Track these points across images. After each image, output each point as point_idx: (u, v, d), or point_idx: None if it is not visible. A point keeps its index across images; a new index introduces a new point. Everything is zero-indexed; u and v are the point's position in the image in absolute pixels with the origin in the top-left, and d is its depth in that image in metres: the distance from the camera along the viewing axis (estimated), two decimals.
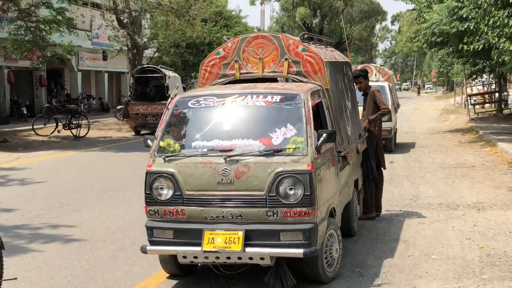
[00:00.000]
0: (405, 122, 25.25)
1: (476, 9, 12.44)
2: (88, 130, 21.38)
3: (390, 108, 15.88)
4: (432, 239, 7.28)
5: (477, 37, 14.17)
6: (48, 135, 20.68)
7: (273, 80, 6.64)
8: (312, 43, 6.90)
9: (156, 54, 32.09)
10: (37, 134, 20.46)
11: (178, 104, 5.96)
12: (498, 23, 11.82)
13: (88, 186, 11.32)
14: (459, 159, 14.24)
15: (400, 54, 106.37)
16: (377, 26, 74.93)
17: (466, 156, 14.72)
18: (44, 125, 21.36)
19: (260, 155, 5.34)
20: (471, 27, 13.53)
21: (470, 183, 10.97)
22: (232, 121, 5.79)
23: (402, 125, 22.83)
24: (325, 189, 5.61)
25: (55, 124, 20.92)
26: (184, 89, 28.55)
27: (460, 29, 14.41)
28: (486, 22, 12.04)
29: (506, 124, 22.06)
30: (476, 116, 26.82)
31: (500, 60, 14.14)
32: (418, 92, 75.63)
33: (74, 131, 20.68)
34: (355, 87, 8.36)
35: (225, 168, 5.32)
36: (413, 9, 24.14)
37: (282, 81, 6.67)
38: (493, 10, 11.87)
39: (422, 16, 19.84)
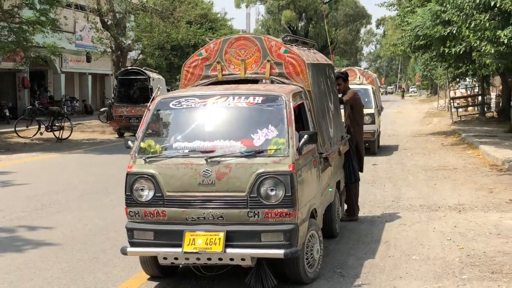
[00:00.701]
0: (389, 125, 25.38)
1: (458, 13, 12.54)
2: (71, 132, 21.27)
3: (374, 111, 16.05)
4: (413, 240, 7.32)
5: (459, 41, 14.29)
6: (30, 137, 20.55)
7: (256, 81, 6.64)
8: (295, 45, 6.92)
9: (141, 56, 32.01)
10: (20, 136, 20.32)
11: (160, 105, 5.95)
12: (479, 27, 11.93)
13: (70, 188, 11.25)
14: (441, 161, 14.33)
15: (385, 58, 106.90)
16: (362, 30, 75.38)
17: (448, 158, 14.82)
18: (27, 127, 21.23)
19: (241, 156, 5.34)
20: (454, 31, 13.65)
21: (451, 185, 11.05)
22: (213, 122, 5.79)
23: (386, 128, 22.94)
24: (306, 190, 5.62)
25: (37, 126, 20.79)
26: (169, 91, 28.46)
27: (442, 34, 14.54)
28: (467, 25, 12.15)
29: (489, 127, 22.25)
30: (459, 119, 27.03)
31: (481, 62, 14.27)
32: (402, 96, 76.07)
33: (56, 133, 20.56)
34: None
35: (206, 169, 5.32)
36: (397, 15, 24.28)
37: (264, 83, 6.68)
38: (474, 13, 11.98)
39: (405, 21, 19.94)
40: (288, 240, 5.22)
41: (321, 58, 7.86)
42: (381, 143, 17.74)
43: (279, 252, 5.19)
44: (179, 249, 5.29)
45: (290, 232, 5.23)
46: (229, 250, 5.22)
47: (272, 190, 5.25)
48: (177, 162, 5.43)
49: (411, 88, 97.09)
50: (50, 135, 20.63)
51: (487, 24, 11.77)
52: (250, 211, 5.27)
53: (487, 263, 6.30)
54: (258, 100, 5.71)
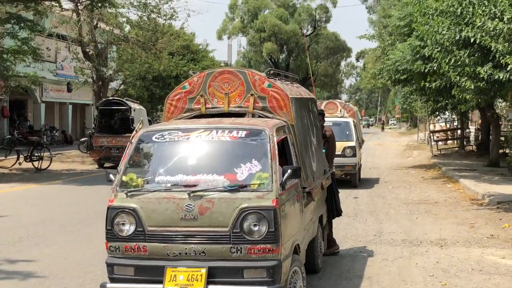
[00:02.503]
0: (370, 158, 25.49)
1: (439, 48, 12.70)
2: (50, 162, 21.02)
3: (355, 144, 16.12)
4: (395, 276, 7.28)
5: (440, 76, 14.45)
6: (9, 167, 20.28)
7: (239, 115, 6.62)
8: (278, 79, 6.94)
9: (122, 87, 31.95)
10: None
11: (142, 138, 5.90)
12: (459, 62, 12.09)
13: (49, 220, 11.07)
14: (422, 195, 14.38)
15: (365, 90, 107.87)
16: (343, 63, 76.05)
17: (429, 192, 14.88)
18: (5, 157, 20.98)
19: (224, 191, 5.29)
20: (434, 67, 13.81)
21: (433, 219, 11.06)
22: (196, 156, 5.74)
23: (366, 160, 23.03)
24: (289, 225, 5.57)
25: (16, 156, 20.54)
26: (150, 122, 28.40)
27: (422, 70, 14.72)
28: (447, 61, 12.30)
29: (468, 161, 22.44)
30: (439, 153, 27.26)
31: (462, 98, 14.43)
32: (382, 128, 76.69)
33: (36, 163, 20.31)
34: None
35: (188, 204, 5.26)
36: (378, 47, 24.57)
37: (248, 117, 6.66)
38: (454, 49, 12.14)
39: (386, 54, 20.19)
40: (271, 276, 5.16)
41: (303, 92, 7.89)
42: (362, 176, 17.79)
43: None
44: (160, 286, 5.20)
45: (273, 268, 5.16)
46: (211, 287, 5.14)
47: (255, 225, 5.20)
48: (159, 196, 5.36)
49: (391, 120, 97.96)
50: (29, 165, 20.37)
51: (467, 61, 11.94)
52: (232, 246, 5.20)
53: None
54: (241, 134, 5.69)
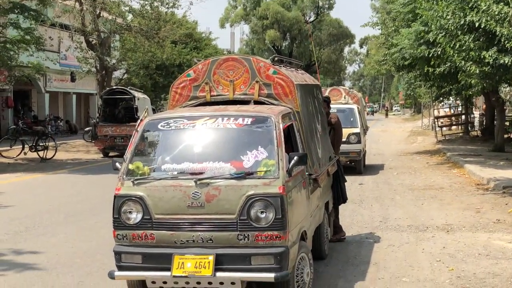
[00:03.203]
0: (374, 144, 25.46)
1: (443, 33, 12.63)
2: (55, 152, 21.05)
3: (359, 131, 16.09)
4: (402, 261, 7.28)
5: (444, 61, 14.39)
6: (14, 157, 20.32)
7: (244, 102, 6.60)
8: (283, 66, 6.91)
9: (125, 76, 31.91)
10: (3, 156, 20.08)
11: (148, 126, 5.89)
12: (464, 47, 12.02)
13: (54, 209, 11.10)
14: (427, 180, 14.36)
15: (368, 77, 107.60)
16: (346, 49, 75.84)
17: (434, 177, 14.86)
18: (10, 147, 20.98)
19: (231, 178, 5.28)
20: (438, 52, 13.75)
21: (438, 205, 11.05)
22: (202, 143, 5.73)
23: (371, 147, 23.01)
24: (296, 212, 5.57)
25: (21, 146, 20.57)
26: (154, 111, 28.36)
27: (426, 55, 14.65)
28: (452, 46, 12.23)
29: (473, 146, 22.39)
30: (443, 138, 27.20)
31: (466, 83, 14.37)
32: (386, 115, 76.53)
33: (41, 153, 20.34)
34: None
35: (195, 191, 5.25)
36: (381, 34, 24.44)
37: (252, 104, 6.64)
38: (459, 34, 12.07)
39: (390, 40, 20.09)
40: (279, 263, 5.16)
41: (308, 79, 7.86)
42: (366, 162, 17.77)
43: (270, 276, 5.12)
44: (168, 273, 5.21)
45: (280, 255, 5.17)
46: (219, 274, 5.14)
47: (262, 212, 5.20)
48: (165, 184, 5.36)
49: (395, 107, 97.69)
50: (34, 155, 20.41)
51: (472, 45, 11.87)
52: (240, 234, 5.20)
53: (478, 285, 6.28)
54: (247, 121, 5.67)
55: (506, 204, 10.86)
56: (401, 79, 45.62)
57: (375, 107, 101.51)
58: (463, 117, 30.96)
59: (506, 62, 11.53)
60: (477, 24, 11.53)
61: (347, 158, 15.49)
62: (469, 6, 11.81)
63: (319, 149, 7.14)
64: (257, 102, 6.46)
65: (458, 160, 17.54)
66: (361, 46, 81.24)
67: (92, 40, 27.58)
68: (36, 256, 7.74)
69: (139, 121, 6.04)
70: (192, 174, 5.38)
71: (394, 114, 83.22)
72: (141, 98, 23.50)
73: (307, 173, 6.23)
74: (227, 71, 6.53)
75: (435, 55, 14.11)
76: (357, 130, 16.01)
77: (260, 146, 5.49)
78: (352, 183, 13.62)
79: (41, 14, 21.47)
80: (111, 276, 5.46)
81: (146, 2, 26.88)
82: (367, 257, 7.53)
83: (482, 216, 9.86)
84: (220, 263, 5.16)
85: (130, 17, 28.42)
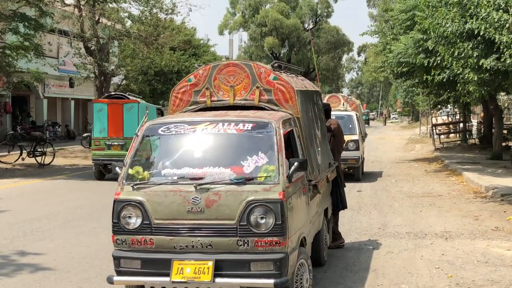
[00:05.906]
0: (372, 151, 25.47)
1: (442, 42, 12.67)
2: (53, 157, 21.01)
3: (358, 137, 16.10)
4: (401, 268, 7.27)
5: (443, 69, 14.42)
6: (12, 163, 20.27)
7: (245, 108, 6.60)
8: (283, 72, 6.92)
9: (124, 82, 31.89)
10: (1, 162, 20.03)
11: (148, 131, 5.89)
12: (463, 54, 12.06)
13: (53, 215, 11.07)
14: (425, 188, 14.37)
15: (366, 84, 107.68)
16: (344, 57, 75.88)
17: (432, 185, 14.87)
18: (8, 152, 20.95)
19: (231, 184, 5.28)
20: (438, 61, 13.78)
21: (437, 212, 11.05)
22: (203, 148, 5.73)
23: (369, 154, 23.02)
24: (296, 218, 5.56)
25: (19, 152, 20.53)
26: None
27: (425, 64, 14.69)
28: (451, 53, 12.27)
29: (471, 154, 22.41)
30: (441, 146, 27.22)
31: (465, 90, 14.40)
32: (384, 122, 76.56)
33: (38, 158, 20.29)
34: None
35: (195, 197, 5.25)
36: (379, 42, 24.51)
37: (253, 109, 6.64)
38: (458, 41, 12.11)
39: (388, 48, 20.14)
40: (278, 269, 5.15)
41: (308, 85, 7.87)
42: (365, 169, 17.78)
43: (269, 282, 5.11)
44: (167, 278, 5.20)
45: (280, 261, 5.15)
46: (218, 280, 5.13)
47: (262, 218, 5.19)
48: (165, 189, 5.35)
49: (393, 114, 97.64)
50: (32, 160, 20.36)
51: (470, 52, 11.91)
52: (239, 239, 5.19)
53: None
54: (248, 127, 5.67)
55: (505, 211, 10.86)
56: (399, 86, 45.73)
57: (373, 115, 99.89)
58: (461, 125, 31.00)
59: (506, 67, 11.51)
60: (476, 32, 11.57)
61: (345, 165, 15.48)
62: (469, 13, 11.86)
63: (319, 155, 7.14)
64: (257, 108, 6.47)
65: (456, 167, 17.55)
66: (359, 54, 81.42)
67: (91, 46, 27.56)
68: (35, 261, 7.71)
69: (139, 126, 6.03)
70: (192, 179, 5.37)
71: (392, 122, 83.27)
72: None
73: (307, 179, 6.23)
74: (228, 76, 6.54)
75: (434, 64, 14.14)
76: (355, 137, 16.03)
77: (261, 152, 5.48)
78: (350, 190, 13.62)
79: (41, 25, 21.41)
80: (110, 281, 5.44)
81: (145, 9, 26.90)
82: (366, 263, 7.52)
83: (480, 224, 9.86)
84: (219, 268, 5.15)
85: (129, 23, 28.42)
